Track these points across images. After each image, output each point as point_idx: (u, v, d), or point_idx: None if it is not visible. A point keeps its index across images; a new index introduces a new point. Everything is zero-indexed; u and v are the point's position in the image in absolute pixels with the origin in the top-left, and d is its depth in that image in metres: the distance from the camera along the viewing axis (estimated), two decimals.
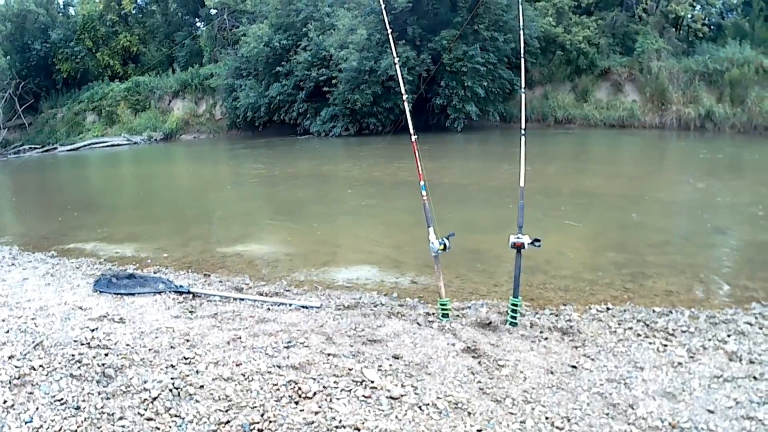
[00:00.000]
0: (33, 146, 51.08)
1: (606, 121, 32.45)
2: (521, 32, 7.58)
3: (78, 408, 4.01)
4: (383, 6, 7.65)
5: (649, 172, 17.73)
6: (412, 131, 6.01)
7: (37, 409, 4.00)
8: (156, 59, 52.56)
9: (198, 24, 56.39)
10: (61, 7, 59.20)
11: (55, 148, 48.84)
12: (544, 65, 34.95)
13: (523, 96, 6.70)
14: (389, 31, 7.01)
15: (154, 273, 8.29)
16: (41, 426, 3.79)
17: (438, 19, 32.49)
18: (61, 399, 4.12)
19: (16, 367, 4.64)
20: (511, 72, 32.54)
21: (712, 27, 35.87)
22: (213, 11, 50.41)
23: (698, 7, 35.79)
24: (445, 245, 5.64)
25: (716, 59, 31.31)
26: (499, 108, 33.29)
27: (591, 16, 35.24)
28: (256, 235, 11.46)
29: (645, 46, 33.24)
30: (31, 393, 4.22)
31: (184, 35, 53.86)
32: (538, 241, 5.57)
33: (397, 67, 6.80)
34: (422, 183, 5.81)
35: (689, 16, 34.92)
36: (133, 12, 57.20)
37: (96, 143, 47.44)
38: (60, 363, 4.72)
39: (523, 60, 7.18)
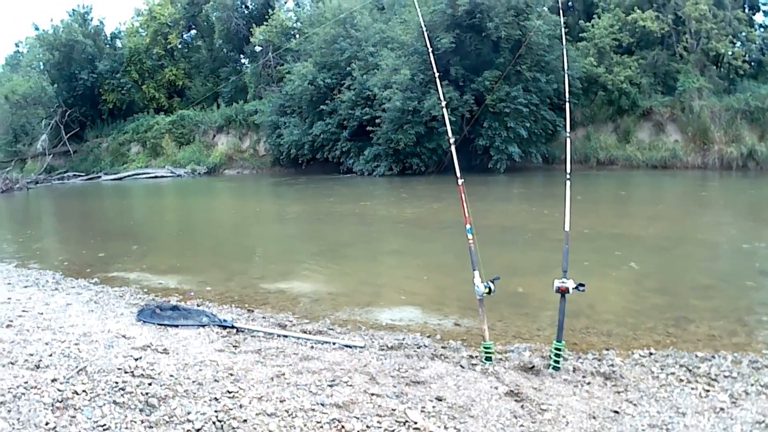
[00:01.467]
0: (77, 173, 51.85)
1: (648, 161, 32.37)
2: (566, 76, 7.62)
3: None
4: (430, 48, 7.72)
5: (692, 214, 17.63)
6: (458, 174, 6.02)
7: None
8: (201, 94, 53.12)
9: (243, 60, 57.09)
10: (109, 39, 60.28)
11: (99, 177, 49.55)
12: (586, 106, 34.89)
13: (568, 140, 6.69)
14: (436, 74, 7.07)
15: (198, 306, 8.34)
16: None
17: (480, 60, 32.60)
18: (104, 425, 4.14)
19: (59, 390, 4.68)
20: (553, 113, 32.61)
21: (752, 64, 35.82)
22: (258, 48, 50.95)
23: (738, 43, 35.77)
24: (490, 289, 5.62)
25: (758, 96, 31.29)
26: (541, 149, 33.25)
27: (632, 56, 35.14)
28: (299, 273, 11.44)
29: (686, 84, 33.12)
30: (73, 417, 4.25)
31: (229, 71, 54.48)
32: (583, 285, 5.54)
33: (445, 111, 6.85)
34: (468, 226, 5.82)
35: (729, 53, 34.75)
36: (179, 47, 58.02)
37: (140, 174, 48.02)
38: (103, 389, 4.75)
39: (567, 104, 7.18)
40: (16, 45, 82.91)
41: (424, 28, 8.58)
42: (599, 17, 35.67)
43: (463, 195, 5.91)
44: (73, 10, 58.15)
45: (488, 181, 27.90)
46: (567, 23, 11.12)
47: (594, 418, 4.58)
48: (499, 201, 21.87)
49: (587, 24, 35.61)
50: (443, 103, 6.81)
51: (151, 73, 57.43)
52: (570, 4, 39.92)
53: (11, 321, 7.01)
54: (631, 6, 34.88)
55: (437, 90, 6.92)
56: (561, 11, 13.65)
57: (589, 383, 5.29)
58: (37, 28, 59.11)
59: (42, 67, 59.88)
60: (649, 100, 34.60)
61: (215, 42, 55.79)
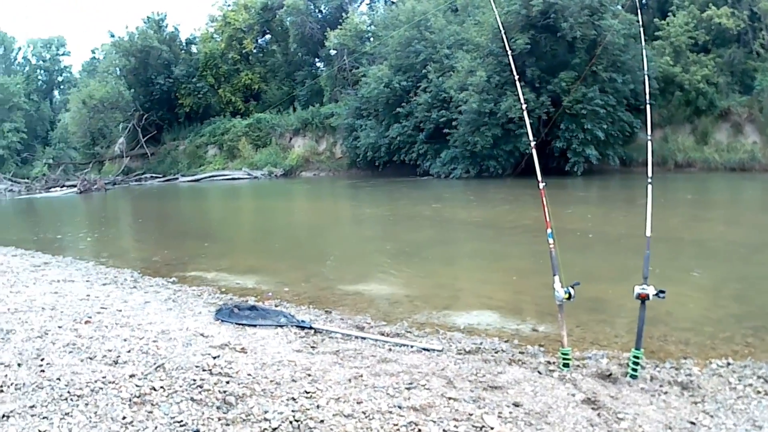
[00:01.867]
0: (155, 175, 52.93)
1: (726, 164, 31.62)
2: (645, 76, 7.50)
3: (197, 431, 4.08)
4: (508, 50, 7.67)
5: None
6: (539, 178, 5.97)
7: (156, 428, 4.09)
8: (277, 97, 53.73)
9: (318, 64, 57.59)
10: (184, 44, 61.45)
11: (177, 178, 50.37)
12: (663, 106, 34.23)
13: (649, 143, 6.58)
14: (515, 76, 7.02)
15: (276, 306, 8.40)
16: None
17: (556, 61, 32.38)
18: (181, 421, 4.19)
19: (137, 386, 4.76)
20: (630, 114, 32.06)
21: None
22: (333, 52, 51.28)
23: None
24: (570, 294, 5.56)
25: None
26: (618, 151, 32.78)
27: (708, 54, 34.41)
28: (377, 275, 11.48)
29: (764, 83, 32.41)
30: (150, 412, 4.31)
31: (305, 75, 55.02)
32: (663, 292, 5.44)
33: (525, 113, 6.80)
34: (549, 230, 5.77)
35: None
36: (254, 51, 58.85)
37: (217, 176, 48.76)
38: (181, 386, 4.82)
39: (648, 106, 7.06)
40: (93, 51, 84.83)
41: (502, 30, 8.53)
42: (674, 15, 35.00)
43: (544, 199, 5.87)
44: (147, 17, 59.61)
45: (565, 184, 27.63)
46: (642, 21, 10.97)
47: (670, 428, 4.49)
48: (577, 204, 21.63)
49: (662, 22, 34.95)
50: (523, 106, 6.77)
51: (226, 78, 58.29)
52: (644, 1, 39.31)
53: (90, 317, 7.16)
54: (706, 2, 34.18)
55: (514, 92, 6.91)
56: (639, 9, 13.48)
57: (666, 393, 5.19)
58: (112, 35, 60.77)
59: (118, 72, 61.29)
60: (727, 99, 33.89)
61: (290, 46, 56.34)
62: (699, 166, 32.44)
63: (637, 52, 30.32)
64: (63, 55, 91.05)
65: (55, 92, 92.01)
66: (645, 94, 7.05)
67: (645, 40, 24.92)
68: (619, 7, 33.36)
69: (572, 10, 30.78)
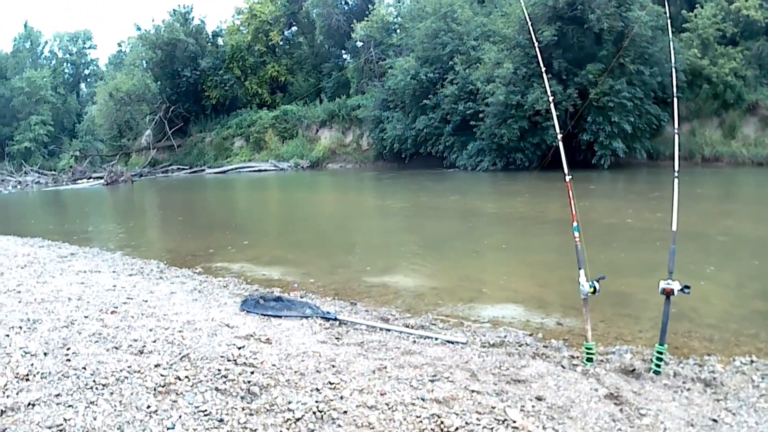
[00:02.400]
0: (181, 167, 53.25)
1: (754, 158, 31.14)
2: (673, 69, 7.46)
3: (221, 420, 4.12)
4: (536, 42, 7.66)
5: None
6: (566, 171, 5.95)
7: (180, 417, 4.14)
8: (304, 89, 53.85)
9: (344, 56, 57.73)
10: (210, 37, 61.74)
11: (203, 170, 50.77)
12: (690, 99, 33.82)
13: (676, 137, 6.54)
14: (543, 68, 7.00)
15: (301, 298, 8.44)
16: None
17: (583, 53, 32.14)
18: (205, 410, 4.24)
19: (162, 375, 4.83)
20: (657, 107, 31.70)
21: None
22: (359, 44, 51.31)
23: None
24: (595, 288, 5.54)
25: None
26: (645, 145, 32.46)
27: (736, 47, 33.99)
28: (402, 267, 11.49)
29: None
30: (175, 401, 4.37)
31: (331, 67, 55.14)
32: (688, 287, 5.41)
33: (552, 106, 6.77)
34: (575, 224, 5.75)
35: None
36: (281, 43, 58.94)
37: (243, 167, 48.98)
38: (206, 376, 4.88)
39: (675, 99, 7.02)
40: (119, 45, 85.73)
41: (528, 21, 8.49)
42: (702, 6, 34.60)
43: (570, 192, 5.85)
44: (174, 10, 60.02)
45: (592, 177, 27.50)
46: (670, 14, 10.96)
47: (692, 425, 4.48)
48: (603, 197, 21.55)
49: (690, 14, 34.58)
50: (550, 98, 6.72)
51: (253, 70, 58.45)
52: None
53: (116, 307, 7.23)
54: None
55: (541, 84, 6.89)
56: (666, 1, 13.35)
57: (689, 389, 5.16)
58: (138, 29, 61.08)
59: (145, 65, 61.77)
60: (755, 93, 33.41)
61: (316, 38, 56.51)
62: (726, 161, 32.10)
63: (665, 44, 30.03)
64: (89, 48, 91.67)
65: (82, 85, 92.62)
66: (672, 86, 7.01)
67: (672, 32, 24.79)
68: None
69: (599, 1, 30.56)
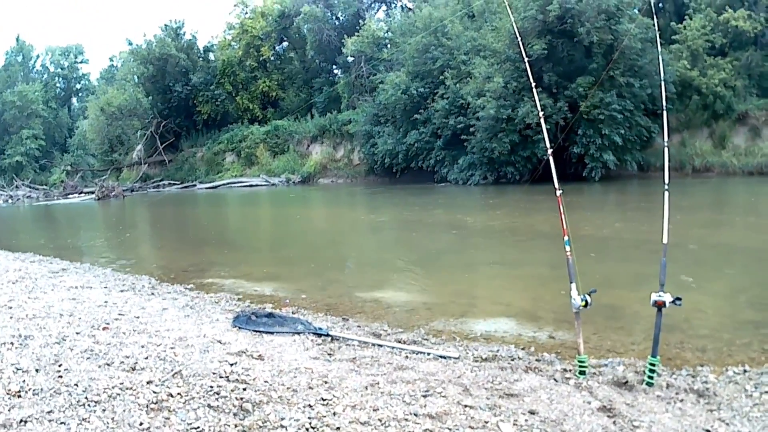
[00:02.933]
0: (172, 182, 53.30)
1: (744, 168, 31.39)
2: (662, 82, 7.48)
3: None
4: (525, 56, 7.68)
5: None
6: (556, 185, 5.96)
7: None
8: (295, 104, 54.01)
9: (335, 71, 57.88)
10: (201, 52, 61.84)
11: (195, 185, 50.73)
12: (680, 111, 34.09)
13: (666, 149, 6.56)
14: (532, 82, 7.02)
15: (293, 313, 8.43)
16: None
17: (573, 66, 32.35)
18: (198, 427, 4.22)
19: (154, 392, 4.80)
20: (648, 119, 31.97)
21: None
22: (350, 59, 51.49)
23: None
24: (587, 302, 5.55)
25: None
26: (636, 156, 32.68)
27: (725, 57, 34.21)
28: (394, 282, 11.51)
29: None
30: (167, 418, 4.34)
31: (322, 82, 55.27)
32: (680, 299, 5.42)
33: (542, 120, 6.80)
34: (566, 238, 5.77)
35: None
36: (272, 59, 59.04)
37: (234, 183, 49.10)
38: (198, 393, 4.85)
39: (665, 112, 7.05)
40: (110, 59, 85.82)
41: (518, 36, 8.52)
42: (691, 18, 34.86)
43: (561, 206, 5.87)
44: (165, 25, 60.11)
45: (583, 190, 27.61)
46: (659, 26, 10.99)
47: None
48: (595, 210, 21.62)
49: (679, 26, 34.82)
50: (540, 112, 6.74)
51: (244, 85, 58.59)
52: (660, 5, 39.18)
53: (108, 324, 7.20)
54: (723, 6, 34.02)
55: (531, 98, 6.91)
56: (654, 14, 13.43)
57: (682, 400, 5.18)
58: (130, 43, 61.18)
59: (136, 80, 61.78)
60: (745, 103, 33.70)
61: (307, 53, 56.54)
62: (717, 171, 32.27)
63: (654, 56, 30.20)
64: (81, 62, 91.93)
65: (73, 99, 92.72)
66: (662, 99, 7.04)
67: (662, 44, 24.69)
68: (636, 11, 33.33)
69: (589, 15, 30.73)
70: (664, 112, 6.99)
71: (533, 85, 7.04)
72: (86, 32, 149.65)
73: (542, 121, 6.83)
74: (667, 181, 6.12)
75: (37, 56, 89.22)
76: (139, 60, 58.58)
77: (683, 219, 15.69)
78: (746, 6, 33.62)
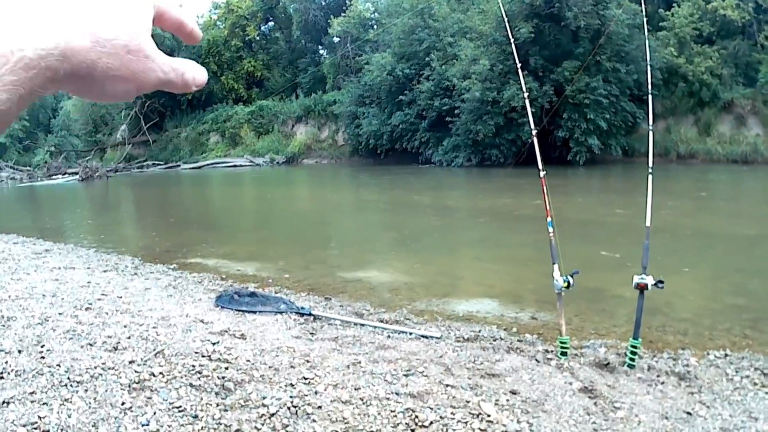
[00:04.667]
0: (156, 162, 53.05)
1: (729, 156, 31.61)
2: (648, 67, 7.48)
3: (196, 417, 4.11)
4: (511, 39, 7.66)
5: None
6: (540, 167, 5.97)
7: (155, 413, 4.12)
8: (280, 85, 53.86)
9: (321, 51, 57.72)
10: None
11: (179, 165, 50.57)
12: (666, 97, 34.22)
13: (650, 134, 6.57)
14: (518, 65, 7.01)
15: (276, 293, 8.41)
16: (158, 430, 3.91)
17: (560, 50, 32.41)
18: (180, 406, 4.23)
19: (136, 371, 4.80)
20: (633, 104, 32.13)
21: None
22: (336, 39, 51.34)
23: None
24: (569, 283, 5.55)
25: None
26: (621, 141, 32.84)
27: (712, 46, 34.34)
28: (377, 262, 11.53)
29: None
30: (149, 398, 4.35)
31: (308, 62, 55.09)
32: (662, 282, 5.43)
33: (527, 102, 6.80)
34: (549, 219, 5.77)
35: None
36: (258, 38, 58.89)
37: (218, 163, 48.94)
38: (180, 372, 4.86)
39: (650, 96, 7.06)
40: None
41: (505, 18, 8.51)
42: (679, 6, 34.96)
43: (544, 188, 5.87)
44: None
45: (567, 174, 27.66)
46: (647, 12, 10.98)
47: (666, 418, 4.51)
48: (579, 194, 21.69)
49: (667, 13, 34.91)
50: (525, 94, 6.75)
51: (229, 65, 58.34)
52: None
53: (90, 304, 7.17)
54: None
55: (517, 81, 6.90)
56: (642, 0, 13.41)
57: (663, 383, 5.20)
58: None
59: None
60: (731, 92, 33.86)
61: (293, 33, 56.38)
62: (701, 158, 32.43)
63: (641, 42, 30.21)
64: None
65: None
66: (647, 84, 7.04)
67: (649, 31, 24.79)
68: None
69: None
70: (649, 96, 7.00)
71: (519, 67, 7.03)
72: None
73: (527, 102, 6.83)
74: (650, 164, 6.13)
75: None
76: None
77: (667, 204, 15.78)
78: None
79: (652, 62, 27.83)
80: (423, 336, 6.41)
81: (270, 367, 5.11)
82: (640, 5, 25.31)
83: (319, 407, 4.31)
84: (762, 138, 31.88)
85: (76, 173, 45.75)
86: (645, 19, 8.84)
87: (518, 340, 6.39)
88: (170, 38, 56.51)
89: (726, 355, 5.93)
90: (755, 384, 5.22)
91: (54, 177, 48.93)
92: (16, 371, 4.72)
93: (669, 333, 6.73)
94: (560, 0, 30.89)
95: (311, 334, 6.38)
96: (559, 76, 31.63)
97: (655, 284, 5.43)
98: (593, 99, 30.64)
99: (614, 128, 32.07)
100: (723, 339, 6.53)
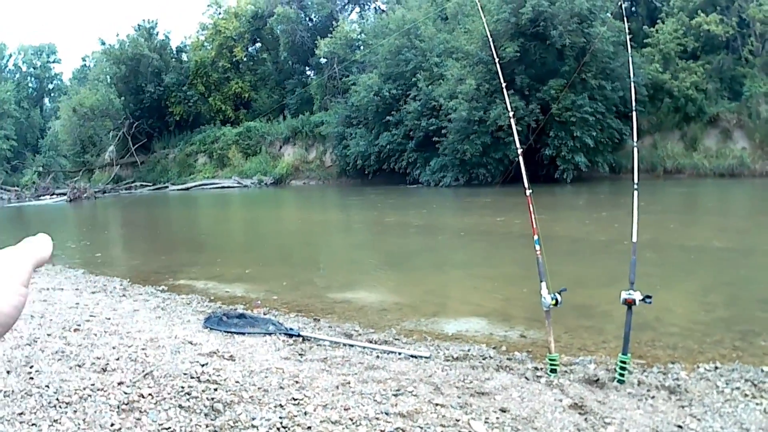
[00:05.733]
0: (144, 184, 53.05)
1: (715, 170, 31.83)
2: (632, 84, 7.56)
3: None
4: (496, 58, 7.71)
5: (760, 225, 17.22)
6: (526, 185, 6.00)
7: None
8: (267, 106, 53.96)
9: (308, 72, 57.80)
10: (174, 52, 61.67)
11: (167, 187, 50.57)
12: (652, 113, 34.45)
13: (635, 150, 6.63)
14: (503, 84, 7.05)
15: (264, 314, 8.40)
16: None
17: (545, 69, 32.56)
18: (169, 428, 4.21)
19: (125, 393, 4.78)
20: (619, 121, 32.32)
21: None
22: (323, 60, 51.44)
23: None
24: (557, 300, 5.58)
25: None
26: (608, 158, 32.97)
27: (697, 61, 34.53)
28: (366, 283, 11.52)
29: (753, 89, 32.58)
30: (138, 419, 4.33)
31: (295, 83, 55.15)
32: (650, 297, 5.45)
33: (512, 121, 6.82)
34: (536, 237, 5.80)
35: None
36: (245, 60, 59.00)
37: (207, 184, 48.92)
38: (169, 393, 4.83)
39: (635, 113, 7.09)
40: (83, 59, 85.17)
41: (490, 38, 8.55)
42: (663, 22, 35.23)
43: (530, 206, 5.90)
44: (138, 25, 59.74)
45: (555, 191, 27.76)
46: (631, 29, 11.04)
47: None
48: (566, 211, 21.76)
49: (651, 29, 35.18)
50: (510, 113, 6.78)
51: (217, 86, 58.38)
52: (633, 9, 39.64)
53: (79, 325, 7.16)
54: (695, 10, 34.34)
55: (503, 100, 6.92)
56: (625, 17, 13.51)
57: (653, 397, 5.21)
58: (103, 43, 60.63)
59: (109, 80, 61.38)
60: (716, 106, 34.08)
61: (280, 54, 56.46)
62: (688, 173, 32.60)
63: (626, 59, 30.47)
64: (54, 62, 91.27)
65: (46, 100, 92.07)
66: (632, 100, 7.10)
67: (634, 47, 24.73)
68: (608, 14, 33.53)
69: (561, 18, 30.93)
70: (634, 113, 7.03)
71: (504, 86, 7.06)
72: (59, 31, 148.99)
73: (513, 122, 6.85)
74: (636, 180, 6.17)
75: (10, 55, 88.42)
76: (112, 60, 58.25)
77: (654, 219, 15.84)
78: (718, 10, 33.88)
79: (637, 79, 27.97)
80: (412, 356, 6.40)
81: (259, 388, 5.09)
82: (624, 22, 25.59)
83: (309, 428, 4.29)
84: (748, 151, 32.10)
85: (64, 194, 45.74)
86: (628, 36, 8.90)
87: (507, 358, 6.39)
88: (158, 59, 56.92)
89: (716, 367, 5.95)
90: (746, 395, 5.23)
91: (42, 197, 48.85)
92: (5, 392, 4.70)
93: (658, 347, 6.75)
94: (545, 19, 31.04)
95: (300, 355, 6.37)
96: (545, 94, 31.75)
97: (643, 299, 5.46)
98: (579, 116, 30.77)
99: (601, 145, 32.20)
100: (712, 352, 6.56)
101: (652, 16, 37.50)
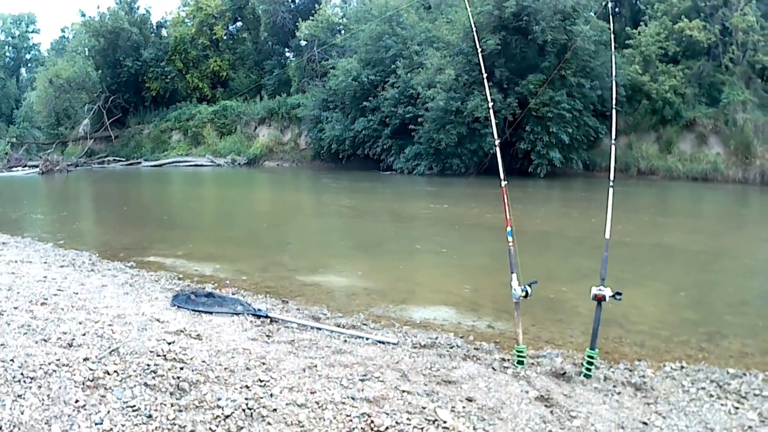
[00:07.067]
0: (117, 159, 52.56)
1: (689, 173, 31.96)
2: (613, 83, 7.54)
3: (150, 416, 4.05)
4: (479, 49, 7.70)
5: (731, 229, 17.40)
6: (502, 176, 6.01)
7: (108, 412, 4.05)
8: (245, 85, 53.50)
9: (287, 54, 57.36)
10: (154, 27, 61.08)
11: (140, 163, 50.18)
12: (629, 114, 34.50)
13: (612, 148, 6.63)
14: (484, 75, 7.03)
15: (233, 294, 8.39)
16: (111, 429, 3.84)
17: (526, 63, 32.49)
18: (134, 405, 4.17)
19: (91, 369, 4.71)
20: (596, 119, 32.25)
21: None
22: (303, 43, 51.13)
23: None
24: (527, 292, 5.61)
25: None
26: (582, 156, 32.97)
27: (677, 65, 34.67)
28: (336, 267, 11.56)
29: (731, 97, 32.67)
30: (103, 396, 4.28)
31: (274, 64, 54.80)
32: (620, 294, 5.49)
33: (491, 112, 6.80)
34: (509, 229, 5.80)
35: None
36: (224, 38, 58.40)
37: (180, 161, 48.57)
38: (135, 371, 4.79)
39: (614, 111, 7.11)
40: (62, 30, 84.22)
41: (473, 29, 8.55)
42: (646, 25, 35.31)
43: (505, 197, 5.90)
44: None
45: (528, 185, 27.79)
46: (613, 30, 11.13)
47: (622, 428, 4.56)
48: (539, 206, 21.81)
49: (634, 31, 35.24)
50: (490, 105, 6.77)
51: (195, 63, 57.90)
52: (617, 10, 39.66)
53: (46, 299, 7.08)
54: (679, 15, 34.42)
55: (482, 91, 6.92)
56: (611, 16, 13.61)
57: (619, 393, 5.27)
58: (83, 15, 59.76)
59: (87, 52, 60.61)
60: (693, 111, 34.14)
61: (260, 35, 56.08)
62: (661, 174, 32.72)
63: (607, 59, 30.56)
64: (32, 32, 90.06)
65: (23, 70, 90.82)
66: (612, 98, 7.11)
67: (615, 48, 24.80)
68: (592, 14, 33.56)
69: (545, 14, 30.89)
70: (613, 111, 7.04)
71: (485, 77, 7.05)
72: (39, 1, 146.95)
73: (492, 113, 6.83)
74: (612, 177, 6.18)
75: None
76: (91, 32, 57.44)
77: (626, 218, 15.90)
78: (702, 17, 33.99)
79: (617, 79, 28.06)
80: (379, 341, 6.41)
81: (225, 368, 5.07)
82: (608, 22, 25.63)
83: (275, 410, 4.28)
84: (722, 157, 32.19)
85: (37, 166, 45.30)
86: (612, 36, 8.93)
87: (475, 348, 6.42)
88: (137, 33, 56.45)
89: (682, 367, 6.03)
90: (711, 396, 5.31)
91: (14, 169, 48.34)
92: None
93: (626, 344, 6.82)
94: (529, 14, 30.98)
95: (267, 336, 6.35)
96: (523, 88, 31.68)
97: (613, 296, 5.49)
98: (557, 113, 30.74)
99: (576, 142, 32.20)
100: (679, 351, 6.65)
101: (635, 18, 37.54)
